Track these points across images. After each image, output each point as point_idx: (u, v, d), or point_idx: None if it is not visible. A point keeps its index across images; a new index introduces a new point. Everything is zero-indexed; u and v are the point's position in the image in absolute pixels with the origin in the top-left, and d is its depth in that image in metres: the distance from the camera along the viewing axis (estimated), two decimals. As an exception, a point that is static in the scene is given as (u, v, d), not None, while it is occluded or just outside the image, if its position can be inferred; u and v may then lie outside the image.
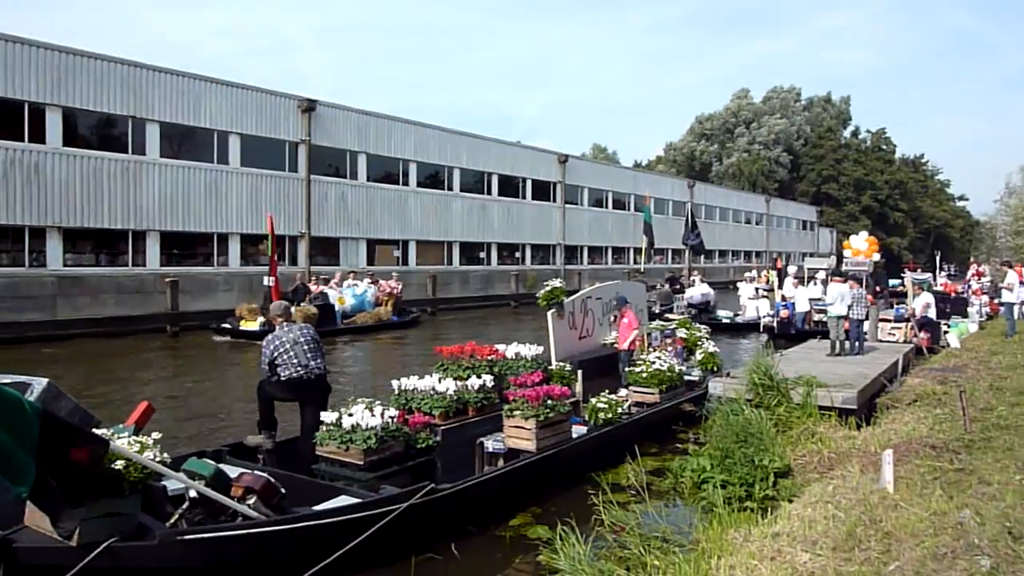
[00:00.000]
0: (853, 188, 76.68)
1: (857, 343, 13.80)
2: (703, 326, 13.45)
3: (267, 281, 19.44)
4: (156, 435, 4.75)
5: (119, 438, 4.62)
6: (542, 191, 38.89)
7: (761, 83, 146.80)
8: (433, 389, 7.35)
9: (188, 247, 24.19)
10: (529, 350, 8.76)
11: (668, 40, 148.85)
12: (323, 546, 4.90)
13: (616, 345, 10.75)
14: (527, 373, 7.96)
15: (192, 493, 5.03)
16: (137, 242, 22.59)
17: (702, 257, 45.26)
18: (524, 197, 37.67)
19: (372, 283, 24.09)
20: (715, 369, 11.60)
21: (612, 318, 11.05)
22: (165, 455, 4.72)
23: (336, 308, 21.96)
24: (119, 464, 4.42)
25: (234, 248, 25.19)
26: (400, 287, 24.56)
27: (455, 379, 7.62)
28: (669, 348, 11.57)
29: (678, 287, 24.65)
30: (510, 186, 36.81)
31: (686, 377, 10.45)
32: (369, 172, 29.75)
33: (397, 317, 23.69)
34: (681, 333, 12.24)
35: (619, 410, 8.39)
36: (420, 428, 6.88)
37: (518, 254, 37.55)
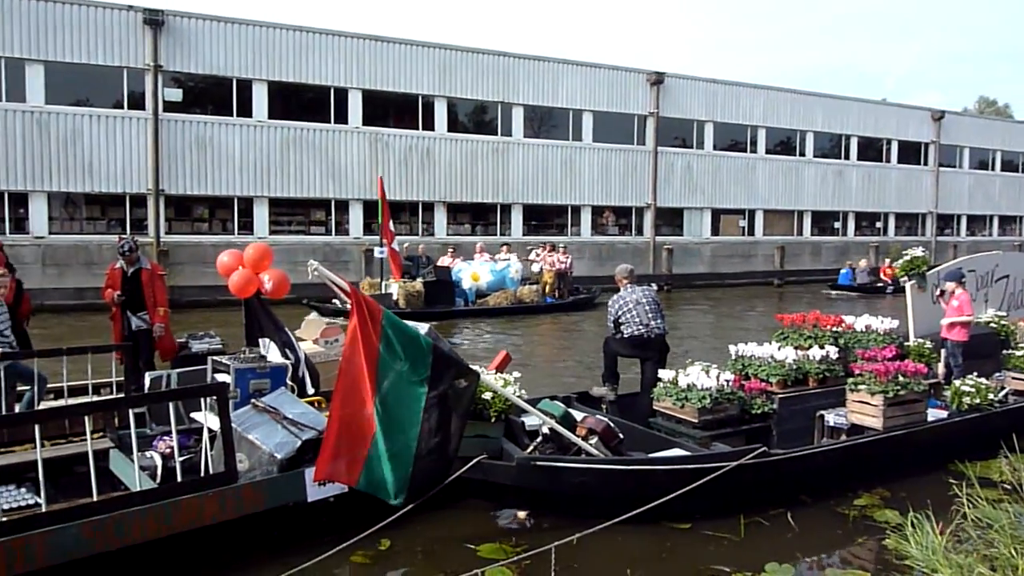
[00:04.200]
0: None
1: None
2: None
3: (378, 252, 17.52)
4: (516, 374, 5.53)
5: (486, 374, 5.48)
6: (910, 153, 34.60)
7: None
8: (771, 357, 7.27)
9: (545, 218, 26.50)
10: (882, 323, 8.14)
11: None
12: (653, 490, 5.26)
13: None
14: (878, 347, 7.44)
15: (545, 429, 5.74)
16: (504, 214, 25.42)
17: None
18: (888, 160, 33.93)
19: (534, 256, 20.65)
20: None
21: (939, 292, 9.02)
22: (523, 391, 5.48)
23: (469, 286, 18.68)
24: (487, 395, 5.26)
25: (585, 218, 26.91)
26: (569, 261, 20.68)
27: (796, 348, 7.44)
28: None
29: None
30: (872, 149, 33.43)
31: (1088, 366, 8.77)
32: (715, 141, 29.37)
33: (552, 299, 19.57)
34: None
35: (990, 396, 7.42)
36: (756, 394, 6.89)
37: (879, 224, 34.07)
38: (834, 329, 7.97)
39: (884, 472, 6.52)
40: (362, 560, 4.91)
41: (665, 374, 6.83)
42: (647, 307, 7.40)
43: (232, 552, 4.89)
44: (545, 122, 26.30)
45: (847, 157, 32.71)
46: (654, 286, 7.84)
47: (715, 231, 29.59)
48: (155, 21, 19.81)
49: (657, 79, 27.39)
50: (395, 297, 17.00)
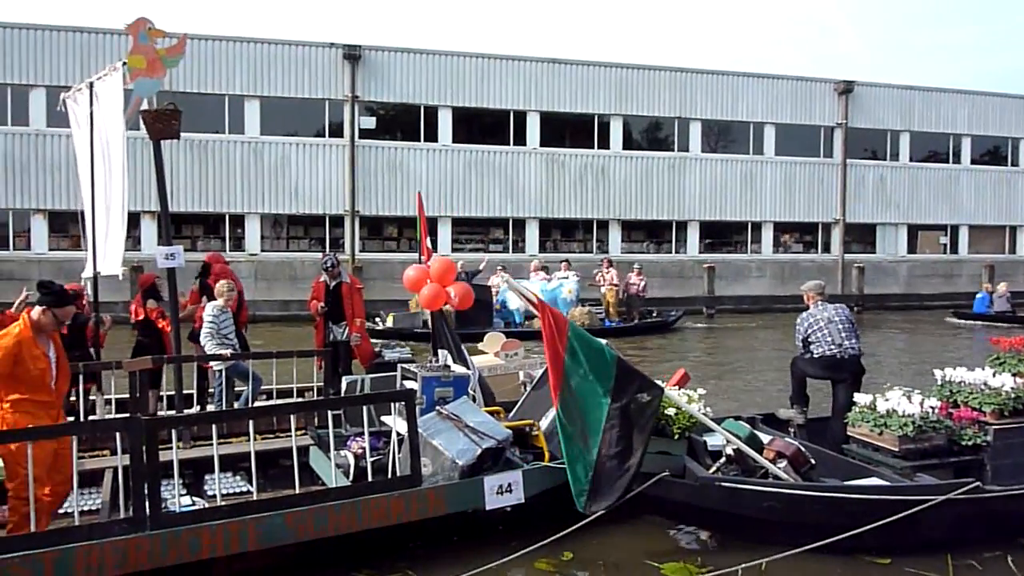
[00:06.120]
0: None
1: None
2: None
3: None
4: (701, 391, 5.42)
5: (670, 390, 5.42)
6: None
7: None
8: (985, 384, 6.61)
9: (723, 235, 25.79)
10: (1124, 350, 7.15)
11: None
12: (848, 520, 4.94)
13: None
14: (1117, 378, 6.55)
15: (729, 450, 5.58)
16: (679, 231, 25.03)
17: None
18: None
19: (602, 275, 18.85)
20: None
21: None
22: (708, 409, 5.36)
23: (516, 306, 17.20)
24: (670, 411, 5.20)
25: (767, 235, 25.87)
26: (643, 283, 19.07)
27: (1014, 375, 6.72)
28: None
29: None
30: (1104, 156, 29.51)
31: None
32: (912, 151, 27.24)
33: (613, 322, 17.96)
34: None
35: None
36: (966, 424, 6.28)
37: (1114, 240, 29.91)
38: (1061, 355, 7.11)
39: None
40: (545, 568, 4.99)
41: (861, 398, 6.41)
42: (840, 326, 6.98)
43: (413, 552, 5.13)
44: (723, 136, 25.65)
45: (1073, 165, 29.12)
46: (844, 306, 7.37)
47: (912, 248, 27.45)
48: (353, 56, 21.54)
49: (846, 88, 25.89)
50: (424, 317, 15.35)
